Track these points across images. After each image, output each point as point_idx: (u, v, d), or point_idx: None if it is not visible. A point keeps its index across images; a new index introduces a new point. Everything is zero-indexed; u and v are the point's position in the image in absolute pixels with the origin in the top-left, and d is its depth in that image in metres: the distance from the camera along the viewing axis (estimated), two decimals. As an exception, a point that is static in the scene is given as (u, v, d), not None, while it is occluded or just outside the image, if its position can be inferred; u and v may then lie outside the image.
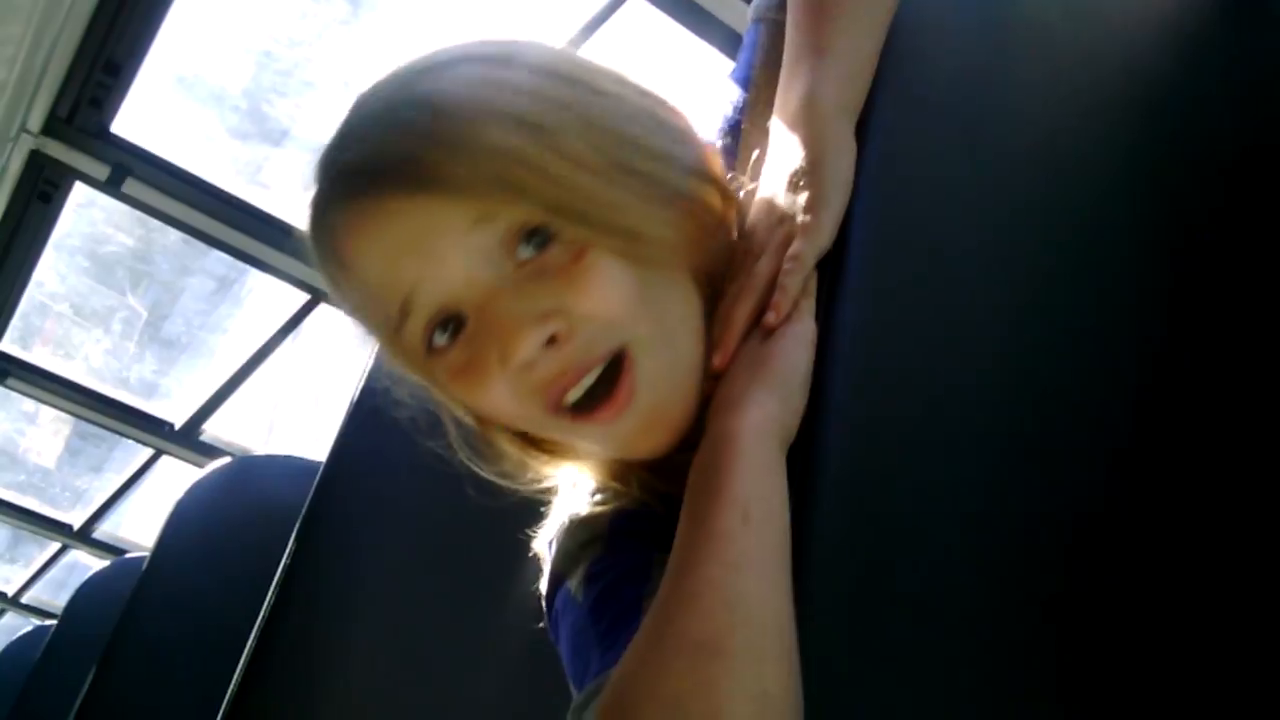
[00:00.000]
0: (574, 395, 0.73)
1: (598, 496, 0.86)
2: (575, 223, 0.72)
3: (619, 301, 0.72)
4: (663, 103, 0.82)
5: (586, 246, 0.72)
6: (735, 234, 0.81)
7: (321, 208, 0.77)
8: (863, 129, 0.76)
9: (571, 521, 0.86)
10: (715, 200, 0.80)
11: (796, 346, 0.71)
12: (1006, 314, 0.72)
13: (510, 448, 0.86)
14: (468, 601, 1.03)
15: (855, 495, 0.64)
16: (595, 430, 0.75)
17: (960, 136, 0.77)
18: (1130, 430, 0.71)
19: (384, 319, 0.76)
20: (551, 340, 0.71)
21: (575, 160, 0.72)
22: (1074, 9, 0.85)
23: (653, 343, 0.74)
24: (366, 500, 1.46)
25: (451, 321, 0.74)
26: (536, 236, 0.72)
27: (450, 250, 0.72)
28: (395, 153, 0.72)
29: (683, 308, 0.77)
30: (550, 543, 0.87)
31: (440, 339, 0.75)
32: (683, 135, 0.81)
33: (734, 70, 0.96)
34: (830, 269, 0.72)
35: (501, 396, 0.74)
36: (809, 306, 0.72)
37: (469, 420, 0.86)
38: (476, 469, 0.88)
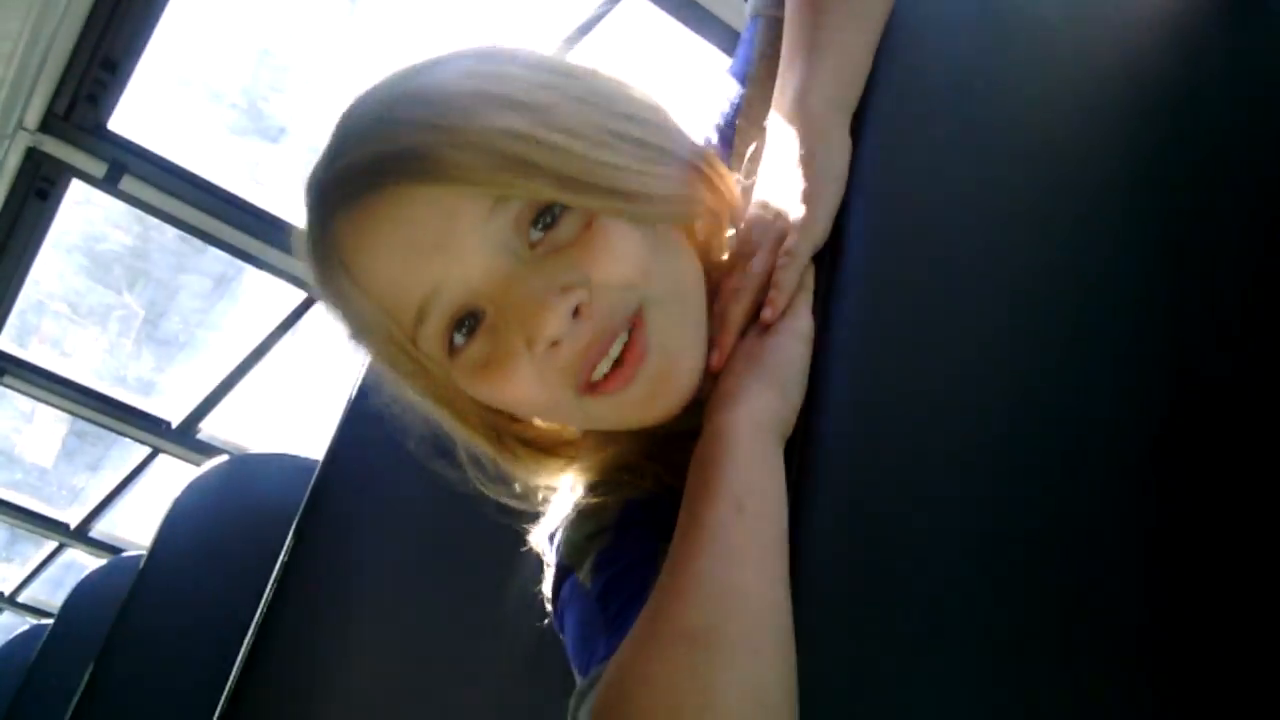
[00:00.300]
0: (603, 368, 0.73)
1: (602, 489, 0.85)
2: (581, 192, 0.72)
3: (633, 261, 0.73)
4: (637, 84, 0.82)
5: (594, 216, 0.73)
6: (727, 214, 0.82)
7: (322, 219, 0.76)
8: (860, 123, 0.76)
9: (578, 513, 0.86)
10: (705, 160, 0.81)
11: (793, 341, 0.71)
12: (1004, 308, 0.71)
13: (525, 454, 0.86)
14: (465, 598, 1.03)
15: (852, 489, 0.64)
16: (612, 401, 0.74)
17: (958, 131, 0.77)
18: (1128, 425, 0.71)
19: (397, 328, 0.75)
20: (576, 312, 0.71)
21: (571, 132, 0.73)
22: (1072, 4, 0.85)
23: (665, 300, 0.74)
24: (364, 498, 1.46)
25: (469, 319, 0.74)
26: (545, 215, 0.73)
27: (470, 241, 0.72)
28: (401, 146, 0.72)
29: (689, 265, 0.78)
30: (551, 536, 0.87)
31: (459, 338, 0.74)
32: (662, 107, 0.82)
33: (732, 65, 0.96)
34: (828, 263, 0.72)
35: (528, 382, 0.74)
36: (805, 301, 0.73)
37: (477, 442, 0.85)
38: (488, 491, 0.87)
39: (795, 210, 0.74)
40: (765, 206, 0.77)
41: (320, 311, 0.83)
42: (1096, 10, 0.85)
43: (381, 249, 0.73)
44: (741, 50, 0.96)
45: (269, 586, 1.44)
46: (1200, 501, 0.70)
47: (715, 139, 0.92)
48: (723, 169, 0.83)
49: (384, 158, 0.72)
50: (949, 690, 0.60)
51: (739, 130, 0.91)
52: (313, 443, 2.39)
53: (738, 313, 0.74)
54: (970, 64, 0.80)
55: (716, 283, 0.79)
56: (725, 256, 0.82)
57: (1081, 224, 0.76)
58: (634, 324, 0.73)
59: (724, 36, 2.30)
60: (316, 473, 1.50)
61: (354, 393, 1.50)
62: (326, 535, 1.46)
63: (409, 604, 1.40)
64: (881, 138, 0.75)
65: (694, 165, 0.80)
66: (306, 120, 3.12)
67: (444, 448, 0.87)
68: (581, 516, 0.85)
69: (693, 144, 0.82)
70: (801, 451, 0.66)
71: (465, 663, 1.03)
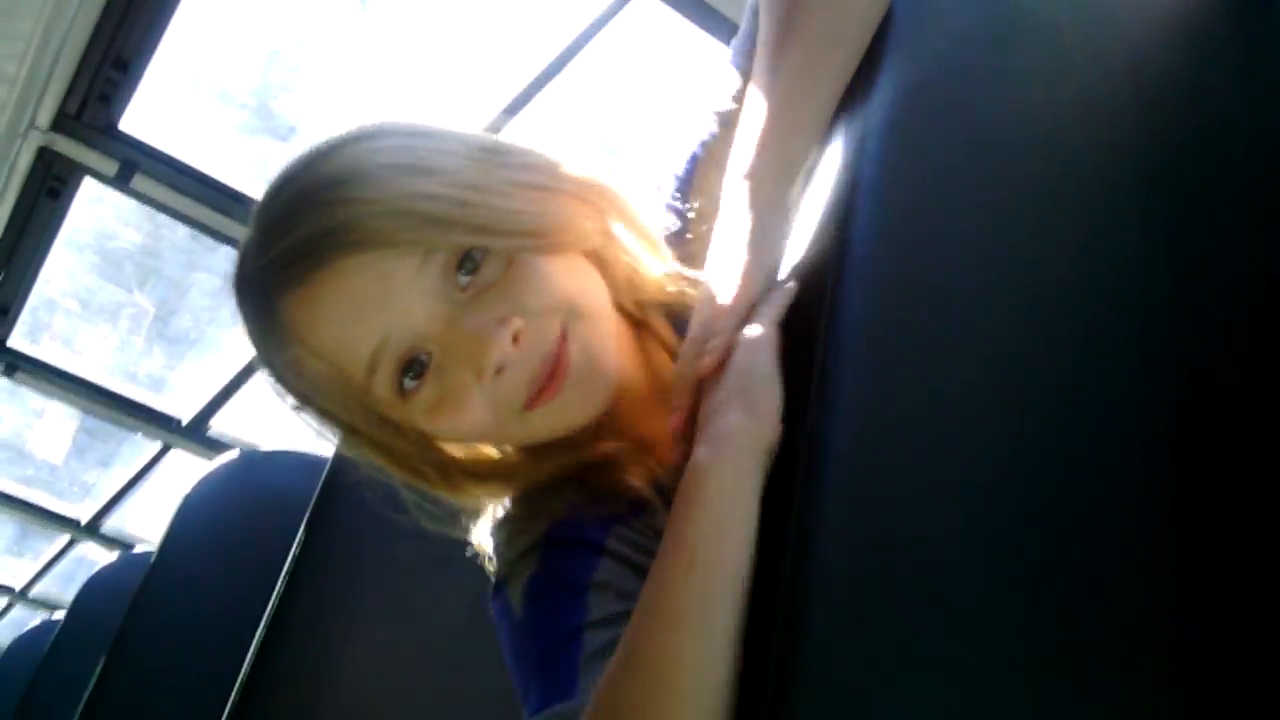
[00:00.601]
0: (541, 382, 0.83)
1: (528, 504, 0.95)
2: (494, 237, 0.82)
3: (553, 288, 0.83)
4: (521, 138, 0.94)
5: (511, 257, 0.83)
6: (634, 231, 0.93)
7: (267, 301, 0.85)
8: (864, 121, 0.76)
9: (511, 529, 0.95)
10: (597, 192, 0.92)
11: (750, 352, 0.73)
12: (1013, 308, 0.72)
13: (469, 484, 0.95)
14: (474, 590, 1.04)
15: (860, 494, 0.64)
16: (549, 409, 0.84)
17: (964, 128, 0.77)
18: (1139, 426, 0.71)
19: (350, 384, 0.84)
20: (514, 340, 0.80)
21: (475, 187, 0.83)
22: (1079, 3, 0.85)
23: (582, 315, 0.84)
24: (375, 492, 1.47)
25: (415, 364, 0.82)
26: (468, 262, 0.82)
27: (408, 294, 0.81)
28: (332, 224, 0.80)
29: (596, 282, 0.89)
30: (491, 538, 0.96)
31: (409, 383, 0.83)
32: (547, 153, 0.92)
33: (731, 56, 0.98)
34: (834, 265, 0.72)
35: (479, 410, 0.83)
36: (766, 313, 0.75)
37: (425, 483, 0.95)
38: (434, 528, 0.96)
39: (733, 273, 0.78)
40: (710, 275, 0.82)
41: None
42: (1103, 9, 0.86)
43: (330, 318, 0.82)
44: (734, 46, 0.99)
45: (280, 580, 1.45)
46: (1211, 501, 0.70)
47: (681, 173, 1.01)
48: (615, 196, 0.93)
49: (317, 236, 0.81)
50: (953, 698, 0.60)
51: (699, 166, 0.99)
52: (322, 439, 2.40)
53: (688, 372, 0.78)
54: (975, 59, 0.80)
55: (637, 300, 0.92)
56: (638, 269, 0.93)
57: (1091, 222, 0.76)
58: (562, 333, 0.83)
59: (733, 35, 2.31)
60: (328, 467, 1.51)
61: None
62: (338, 529, 1.47)
63: (420, 597, 1.41)
64: (885, 137, 0.75)
65: (586, 199, 0.91)
66: (317, 119, 3.14)
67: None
68: (513, 531, 0.94)
69: (582, 180, 0.92)
70: (808, 458, 0.66)
71: (474, 654, 1.04)
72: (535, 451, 0.93)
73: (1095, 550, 0.66)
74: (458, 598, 1.11)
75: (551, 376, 0.82)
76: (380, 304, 0.81)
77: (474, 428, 0.85)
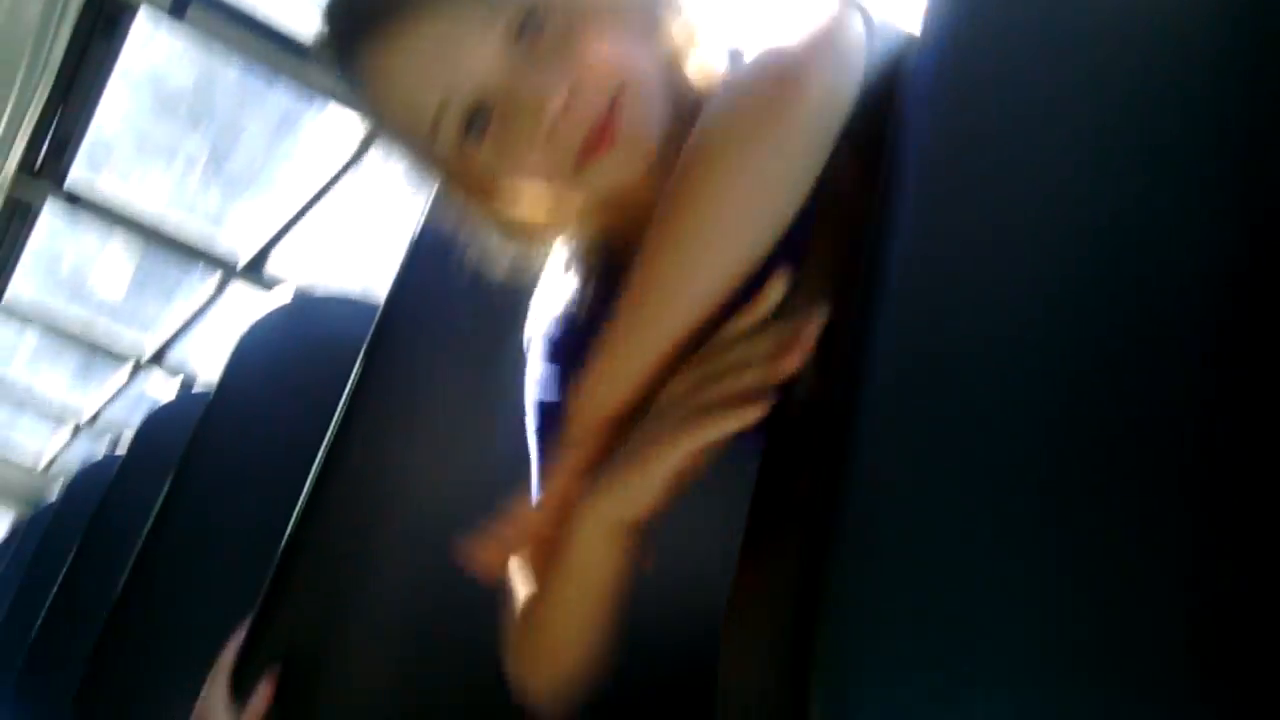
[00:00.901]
0: (593, 139, 0.90)
1: (552, 287, 1.09)
2: (553, 4, 0.90)
3: (610, 57, 0.90)
4: None
5: (570, 24, 0.90)
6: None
7: (348, 55, 0.95)
8: (899, 96, 0.74)
9: (534, 318, 1.11)
10: None
11: (665, 446, 0.76)
12: (1077, 131, 0.70)
13: (525, 236, 1.06)
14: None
15: (918, 311, 0.64)
16: (601, 165, 0.91)
17: (1005, 120, 0.74)
18: (1199, 264, 0.70)
19: (420, 131, 0.93)
20: (569, 100, 0.88)
21: None
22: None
23: (634, 83, 0.91)
24: (431, 326, 1.49)
25: (479, 116, 0.91)
26: (530, 26, 0.89)
27: (474, 50, 0.89)
28: None
29: (646, 58, 0.94)
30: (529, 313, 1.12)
31: (473, 131, 0.92)
32: None
33: None
34: (867, 251, 0.71)
35: (536, 162, 0.91)
36: (719, 423, 0.76)
37: (495, 224, 1.05)
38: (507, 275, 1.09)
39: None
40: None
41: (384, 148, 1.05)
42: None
43: (404, 69, 0.92)
44: None
45: (336, 417, 1.48)
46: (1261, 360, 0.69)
47: None
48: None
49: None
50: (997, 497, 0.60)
51: None
52: (378, 279, 2.41)
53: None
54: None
55: (679, 84, 0.96)
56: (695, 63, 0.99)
57: (1161, 59, 0.73)
58: (613, 103, 0.89)
59: None
60: (382, 307, 1.53)
61: (419, 229, 1.52)
62: (392, 368, 1.49)
63: (472, 436, 1.44)
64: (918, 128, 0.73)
65: None
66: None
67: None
68: (535, 319, 1.10)
69: None
70: (836, 445, 0.65)
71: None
72: (581, 211, 1.03)
73: (1145, 388, 0.65)
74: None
75: (599, 140, 0.89)
76: (447, 58, 0.90)
77: (530, 179, 0.94)
